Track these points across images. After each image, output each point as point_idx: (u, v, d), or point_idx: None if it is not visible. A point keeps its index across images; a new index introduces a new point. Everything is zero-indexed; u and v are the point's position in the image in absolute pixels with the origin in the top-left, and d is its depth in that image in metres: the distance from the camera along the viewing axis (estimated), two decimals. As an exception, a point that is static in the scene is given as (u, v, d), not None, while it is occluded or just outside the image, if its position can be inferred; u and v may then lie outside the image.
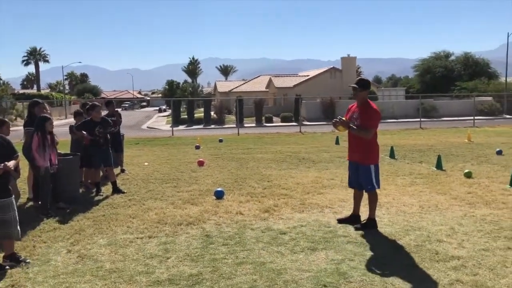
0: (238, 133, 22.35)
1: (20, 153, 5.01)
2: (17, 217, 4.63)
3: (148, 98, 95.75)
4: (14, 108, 36.90)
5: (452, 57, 50.92)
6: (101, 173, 8.41)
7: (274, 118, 32.55)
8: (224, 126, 29.95)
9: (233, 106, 33.45)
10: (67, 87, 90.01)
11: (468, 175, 8.77)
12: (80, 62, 62.44)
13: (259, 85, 50.02)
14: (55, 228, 5.86)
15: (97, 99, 52.08)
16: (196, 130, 26.80)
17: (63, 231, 5.70)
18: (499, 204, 6.62)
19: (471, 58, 48.86)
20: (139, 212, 6.59)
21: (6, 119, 5.91)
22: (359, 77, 5.84)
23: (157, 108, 67.20)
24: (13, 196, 4.65)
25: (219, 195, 7.37)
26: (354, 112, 5.61)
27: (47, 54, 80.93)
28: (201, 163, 10.99)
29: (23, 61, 79.73)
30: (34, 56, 78.86)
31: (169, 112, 47.54)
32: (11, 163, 4.49)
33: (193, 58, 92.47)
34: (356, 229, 5.53)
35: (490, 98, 34.37)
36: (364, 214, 5.82)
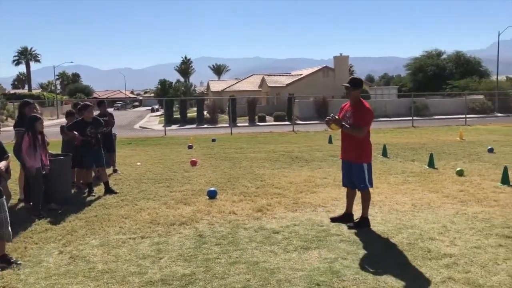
0: (231, 132, 22.31)
1: (11, 154, 4.97)
2: (8, 218, 4.58)
3: (141, 98, 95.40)
4: (4, 108, 36.61)
5: (444, 56, 51.32)
6: (93, 174, 8.36)
7: (267, 117, 32.56)
8: (217, 126, 29.91)
9: (226, 106, 33.40)
10: (58, 87, 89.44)
11: (460, 173, 8.83)
12: (71, 62, 61.99)
13: (252, 84, 50.03)
14: (47, 229, 5.81)
15: (89, 99, 51.80)
16: (189, 130, 26.72)
17: (55, 232, 5.66)
18: (491, 202, 6.67)
19: (462, 56, 49.24)
20: (132, 212, 6.56)
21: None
22: (352, 76, 5.85)
23: (150, 107, 66.99)
24: (4, 197, 4.60)
25: (212, 194, 7.35)
26: (347, 111, 5.62)
27: (38, 54, 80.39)
28: (194, 163, 10.96)
29: (14, 61, 79.18)
30: (25, 56, 78.28)
31: (161, 111, 47.40)
32: (1, 164, 4.45)
33: (185, 58, 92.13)
34: (349, 227, 5.55)
35: (481, 97, 34.62)
36: (357, 213, 5.84)
